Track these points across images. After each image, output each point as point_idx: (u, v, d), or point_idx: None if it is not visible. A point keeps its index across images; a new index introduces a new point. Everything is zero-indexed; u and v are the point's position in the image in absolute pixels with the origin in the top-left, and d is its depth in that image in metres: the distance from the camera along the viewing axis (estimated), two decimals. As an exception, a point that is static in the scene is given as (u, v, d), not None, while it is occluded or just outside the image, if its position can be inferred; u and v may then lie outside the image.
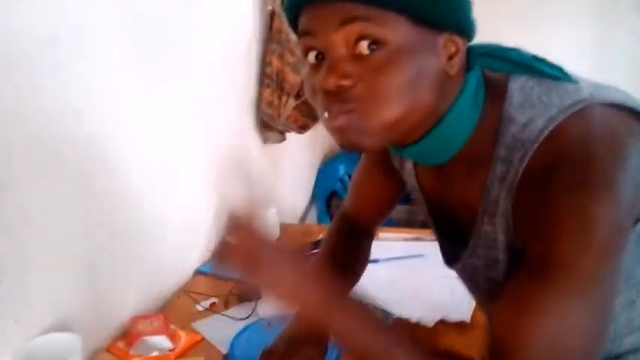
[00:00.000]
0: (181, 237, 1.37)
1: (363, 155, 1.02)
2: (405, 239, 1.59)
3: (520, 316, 0.61)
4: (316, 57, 0.63)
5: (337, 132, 0.63)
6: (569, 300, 0.58)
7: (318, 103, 0.64)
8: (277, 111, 1.79)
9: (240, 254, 0.63)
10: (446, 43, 0.61)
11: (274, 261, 0.63)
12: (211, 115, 1.51)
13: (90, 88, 0.98)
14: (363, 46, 0.59)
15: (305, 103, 1.74)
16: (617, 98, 0.61)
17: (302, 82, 1.72)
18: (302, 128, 1.88)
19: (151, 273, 1.22)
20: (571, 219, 0.57)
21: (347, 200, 1.06)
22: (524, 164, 0.60)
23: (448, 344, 1.08)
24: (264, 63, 1.81)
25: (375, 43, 0.59)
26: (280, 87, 1.76)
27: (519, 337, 0.60)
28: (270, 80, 1.78)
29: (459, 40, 0.63)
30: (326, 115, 0.62)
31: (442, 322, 1.14)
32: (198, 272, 1.41)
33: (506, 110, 0.63)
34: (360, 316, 0.64)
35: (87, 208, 0.99)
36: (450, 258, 0.79)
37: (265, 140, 1.95)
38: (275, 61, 1.78)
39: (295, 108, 1.77)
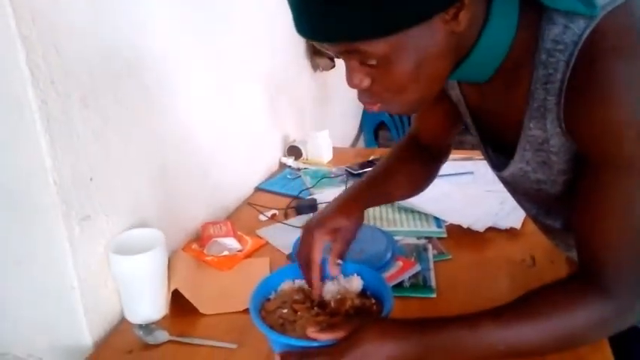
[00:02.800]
0: (242, 157, 1.44)
1: None
2: (455, 159, 1.62)
3: (597, 219, 0.64)
4: None
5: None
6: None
7: None
8: (327, 36, 1.80)
9: None
10: (443, 17, 0.60)
11: None
12: (262, 42, 1.55)
13: (154, 8, 1.03)
14: (368, 63, 0.63)
15: (354, 26, 1.74)
16: None
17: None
18: (351, 54, 1.89)
19: (217, 188, 1.31)
20: (627, 112, 0.58)
21: (412, 123, 1.05)
22: (571, 67, 0.60)
23: (498, 249, 1.13)
24: (313, -13, 1.81)
25: (376, 61, 0.62)
26: (330, 11, 1.76)
27: (601, 240, 0.64)
28: (319, 5, 1.79)
29: (457, 2, 0.60)
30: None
31: (493, 229, 1.18)
32: (258, 189, 1.49)
33: (547, 14, 0.63)
34: (452, 335, 0.66)
35: (158, 122, 1.06)
36: (498, 165, 0.81)
37: (315, 67, 1.98)
38: (324, -15, 1.77)
39: (345, 32, 1.78)
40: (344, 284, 0.83)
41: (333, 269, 0.84)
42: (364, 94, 0.68)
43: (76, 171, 0.84)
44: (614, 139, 0.60)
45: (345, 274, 0.85)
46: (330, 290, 0.82)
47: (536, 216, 0.88)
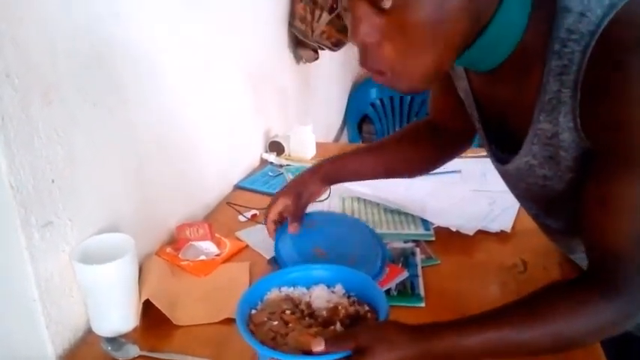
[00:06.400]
0: (222, 153, 1.38)
1: None
2: (442, 156, 1.57)
3: (610, 213, 0.61)
4: None
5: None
6: None
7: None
8: (310, 27, 1.75)
9: None
10: None
11: None
12: (244, 32, 1.48)
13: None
14: (381, 5, 0.57)
15: (339, 17, 1.69)
16: None
17: (336, -6, 1.67)
18: (335, 45, 1.83)
19: (194, 186, 1.25)
20: None
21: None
22: (587, 58, 0.57)
23: (488, 253, 1.09)
24: (296, -25, 1.74)
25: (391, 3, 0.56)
26: (313, 0, 1.70)
27: (615, 236, 0.61)
28: (303, -6, 1.72)
29: None
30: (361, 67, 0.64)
31: (482, 232, 1.14)
32: (238, 187, 1.43)
33: (562, 2, 0.60)
34: (459, 341, 0.64)
35: (130, 118, 0.99)
36: (501, 160, 0.78)
37: (299, 59, 1.91)
38: (308, -26, 1.71)
39: (329, 23, 1.72)
40: (331, 290, 0.79)
41: (291, 227, 0.97)
42: (370, 57, 0.61)
43: (37, 173, 0.77)
44: (634, 137, 0.57)
45: (330, 284, 0.80)
46: (318, 296, 0.77)
47: (536, 216, 0.85)
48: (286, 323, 0.72)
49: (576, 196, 0.66)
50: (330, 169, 1.02)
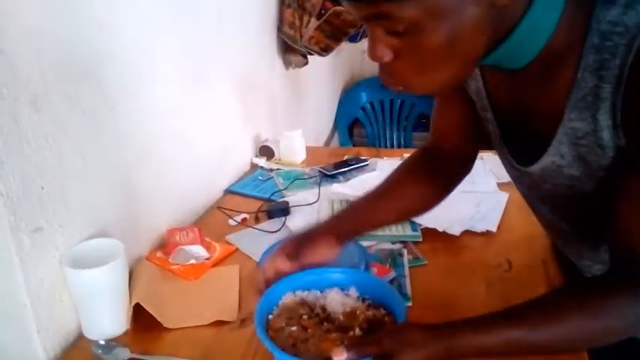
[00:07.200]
0: (212, 158, 1.39)
1: None
2: (431, 158, 1.59)
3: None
4: None
5: None
6: None
7: None
8: (299, 32, 1.76)
9: None
10: None
11: None
12: (232, 38, 1.49)
13: (115, 3, 0.97)
14: (395, 30, 0.57)
15: (327, 22, 1.70)
16: None
17: (324, 1, 1.69)
18: (324, 51, 1.85)
19: (184, 190, 1.26)
20: None
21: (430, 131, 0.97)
22: (633, 52, 0.55)
23: (474, 253, 1.11)
24: (284, -19, 1.76)
25: (404, 28, 0.56)
26: (302, 6, 1.72)
27: None
28: None
29: None
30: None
31: (469, 232, 1.16)
32: (228, 191, 1.44)
33: None
34: (478, 340, 0.61)
35: (119, 124, 1.00)
36: (523, 161, 0.74)
37: (288, 64, 1.93)
38: (295, -20, 1.73)
39: (317, 28, 1.73)
40: (345, 293, 0.78)
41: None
42: (386, 73, 0.62)
43: (26, 179, 0.78)
44: None
45: (343, 287, 0.78)
46: (333, 299, 0.76)
47: (550, 220, 0.83)
48: (304, 328, 0.71)
49: (604, 195, 0.64)
50: (346, 228, 0.86)
